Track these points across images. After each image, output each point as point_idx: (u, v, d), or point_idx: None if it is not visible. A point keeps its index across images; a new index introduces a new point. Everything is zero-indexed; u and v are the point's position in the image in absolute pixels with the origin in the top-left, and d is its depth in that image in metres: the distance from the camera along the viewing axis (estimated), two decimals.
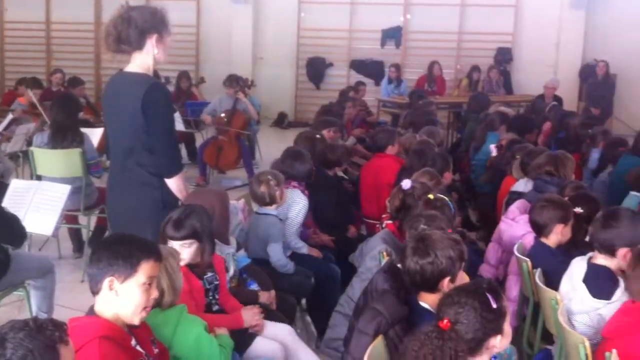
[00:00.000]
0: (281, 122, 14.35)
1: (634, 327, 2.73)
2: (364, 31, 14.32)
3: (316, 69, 14.58)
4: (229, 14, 14.32)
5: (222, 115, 9.04)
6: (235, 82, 9.32)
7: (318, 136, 6.00)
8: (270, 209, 4.39)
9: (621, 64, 13.29)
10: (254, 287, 3.99)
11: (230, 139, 8.93)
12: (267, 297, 3.90)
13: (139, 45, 3.47)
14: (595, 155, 6.42)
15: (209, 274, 3.44)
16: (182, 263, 3.13)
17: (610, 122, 12.54)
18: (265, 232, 4.34)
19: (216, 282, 3.47)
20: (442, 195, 3.95)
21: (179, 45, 12.85)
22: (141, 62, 3.51)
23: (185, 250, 3.23)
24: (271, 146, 10.20)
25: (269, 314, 3.68)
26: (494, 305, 2.35)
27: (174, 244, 3.20)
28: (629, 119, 12.76)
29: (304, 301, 4.61)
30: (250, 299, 3.74)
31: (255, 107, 9.57)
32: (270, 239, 4.32)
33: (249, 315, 3.43)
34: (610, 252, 3.27)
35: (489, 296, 2.36)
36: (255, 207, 4.68)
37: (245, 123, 9.11)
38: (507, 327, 2.41)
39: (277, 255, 4.33)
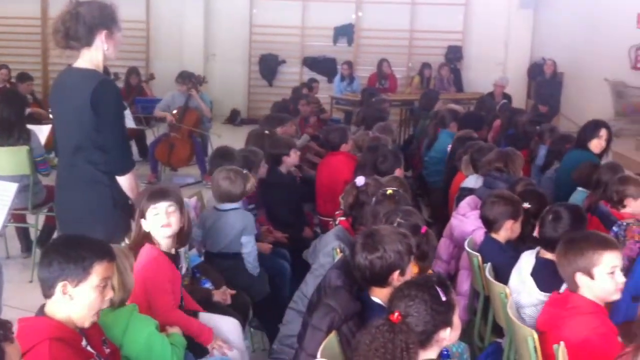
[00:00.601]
0: (234, 119, 14.26)
1: (565, 317, 2.79)
2: (316, 28, 14.34)
3: (269, 65, 14.54)
4: (180, 9, 14.15)
5: (175, 112, 8.95)
6: (187, 78, 9.23)
7: (267, 132, 5.99)
8: (235, 204, 4.38)
9: (568, 63, 13.63)
10: (208, 285, 3.96)
11: (182, 136, 8.85)
12: (220, 294, 3.88)
13: (88, 42, 3.41)
14: (542, 152, 6.56)
15: (181, 264, 3.43)
16: (171, 229, 3.27)
17: (557, 119, 12.85)
18: (235, 226, 4.32)
19: (183, 274, 3.47)
20: (395, 189, 3.99)
21: (129, 41, 12.62)
22: (90, 58, 3.45)
23: (174, 216, 3.28)
24: (224, 143, 10.06)
25: (222, 314, 3.67)
26: (444, 298, 2.39)
27: (161, 208, 3.24)
28: (576, 116, 13.05)
29: None
30: (204, 297, 3.72)
31: (207, 104, 9.50)
32: (246, 232, 4.33)
33: (215, 340, 3.38)
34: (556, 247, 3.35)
35: (439, 289, 2.41)
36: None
37: (197, 120, 9.03)
38: (457, 320, 2.46)
39: (252, 247, 4.36)
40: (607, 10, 13.55)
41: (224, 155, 5.00)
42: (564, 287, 3.21)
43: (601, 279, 2.80)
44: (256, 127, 7.11)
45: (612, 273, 2.80)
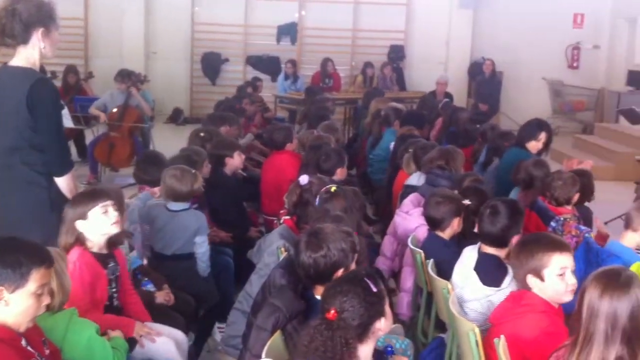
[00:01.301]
0: (176, 118, 14.09)
1: (517, 313, 2.85)
2: (259, 27, 14.29)
3: (211, 64, 14.41)
4: (120, 6, 13.91)
5: (114, 110, 8.78)
6: (126, 76, 9.06)
7: (202, 134, 5.94)
8: (185, 204, 4.33)
9: (507, 62, 13.94)
10: (150, 287, 3.90)
11: (122, 135, 8.68)
12: (163, 295, 3.82)
13: (24, 39, 3.31)
14: (485, 149, 6.68)
15: (112, 264, 3.34)
16: (120, 227, 3.24)
17: (497, 118, 13.13)
18: (189, 227, 4.27)
19: (117, 274, 3.39)
20: (335, 186, 4.00)
21: (66, 38, 12.34)
22: (26, 56, 3.35)
23: (120, 215, 3.28)
24: (166, 143, 9.96)
25: (165, 317, 3.62)
26: (374, 289, 2.42)
27: (110, 206, 3.23)
28: (515, 115, 13.37)
29: None
30: (146, 300, 3.66)
31: (149, 102, 9.35)
32: (200, 232, 4.29)
33: (140, 328, 3.31)
34: (496, 243, 3.41)
35: (368, 281, 2.43)
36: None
37: (138, 119, 8.87)
38: (388, 309, 2.50)
39: (206, 247, 4.32)
40: (545, 11, 13.92)
41: (152, 160, 4.90)
42: (506, 280, 3.28)
43: (551, 280, 2.83)
44: (199, 126, 7.04)
45: (562, 275, 2.83)
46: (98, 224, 3.22)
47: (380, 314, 2.44)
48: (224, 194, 5.30)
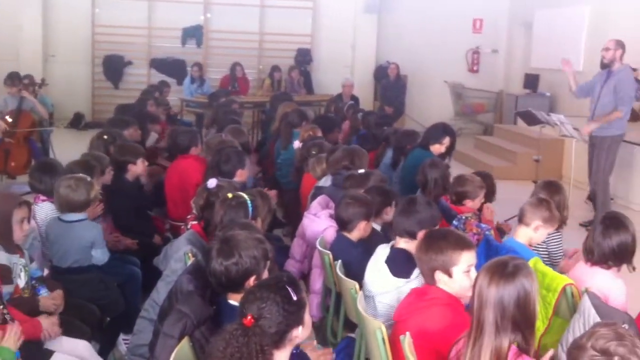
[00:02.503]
0: (77, 123, 13.64)
1: (422, 307, 2.91)
2: (163, 29, 14.04)
3: (114, 67, 14.03)
4: (15, 7, 13.34)
5: (7, 116, 8.37)
6: (17, 80, 8.67)
7: (105, 137, 5.78)
8: (81, 214, 4.16)
9: (411, 66, 14.28)
10: (43, 292, 3.73)
11: (18, 141, 8.31)
12: (47, 300, 3.65)
13: None
14: (389, 152, 6.80)
15: None
16: None
17: (402, 120, 13.43)
18: (83, 239, 4.12)
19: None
20: (241, 193, 3.95)
21: None
22: None
23: None
24: (67, 148, 9.62)
25: (68, 327, 3.48)
26: (295, 297, 2.41)
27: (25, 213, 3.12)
28: (420, 117, 13.72)
29: None
30: (33, 307, 3.51)
31: (48, 107, 9.01)
32: (96, 244, 4.16)
33: (48, 324, 3.23)
34: (412, 235, 3.50)
35: (289, 289, 2.42)
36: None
37: (33, 123, 8.51)
38: (307, 318, 2.48)
39: (103, 259, 4.20)
40: (446, 16, 14.36)
41: (46, 168, 4.69)
42: (415, 271, 3.34)
43: (458, 277, 2.92)
44: (99, 131, 6.82)
45: (468, 272, 2.93)
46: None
47: (299, 322, 2.42)
48: (124, 199, 5.16)
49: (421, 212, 3.57)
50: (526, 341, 2.37)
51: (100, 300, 4.09)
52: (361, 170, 4.84)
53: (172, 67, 14.03)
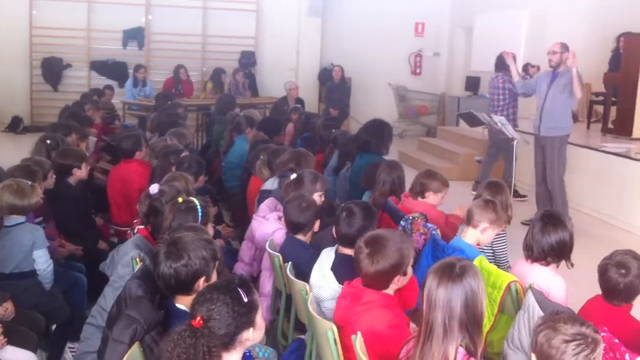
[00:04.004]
0: (15, 126, 13.29)
1: (360, 312, 2.93)
2: (104, 31, 13.79)
3: (53, 69, 13.73)
4: None
5: None
6: None
7: (49, 142, 5.66)
8: (20, 217, 4.06)
9: (355, 68, 14.40)
10: None
11: None
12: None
13: None
14: (336, 154, 6.85)
15: None
16: None
17: (348, 122, 13.52)
18: (24, 242, 4.02)
19: None
20: (192, 198, 3.93)
21: None
22: None
23: None
24: (4, 153, 9.40)
25: (13, 336, 3.40)
26: (245, 299, 2.40)
27: None
28: (364, 119, 13.62)
29: None
30: None
31: None
32: (36, 246, 4.05)
33: None
34: (352, 244, 3.51)
35: (240, 291, 2.41)
36: None
37: None
38: (260, 320, 2.48)
39: (46, 261, 4.09)
40: (388, 20, 14.53)
41: None
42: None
43: (409, 271, 3.01)
44: (41, 135, 6.67)
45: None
46: None
47: (250, 324, 2.41)
48: (68, 203, 5.07)
49: (361, 219, 3.59)
50: (473, 343, 2.40)
51: (44, 307, 4.00)
52: (293, 176, 4.85)
53: (113, 70, 13.80)
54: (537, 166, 7.74)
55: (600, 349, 2.22)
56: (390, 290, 2.99)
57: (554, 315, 2.29)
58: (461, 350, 2.39)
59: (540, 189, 7.72)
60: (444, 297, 2.38)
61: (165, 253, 2.86)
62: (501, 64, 8.90)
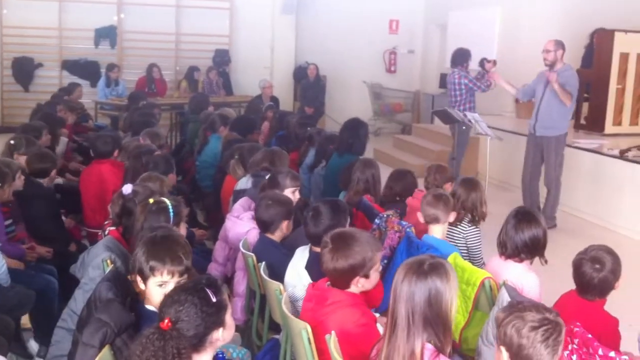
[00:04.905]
0: None
1: (327, 313, 2.91)
2: (75, 30, 13.61)
3: (24, 69, 13.51)
4: None
5: None
6: None
7: (12, 142, 5.61)
8: None
9: (330, 66, 14.39)
10: None
11: None
12: None
13: None
14: (312, 152, 6.84)
15: None
16: None
17: (323, 120, 13.51)
18: None
19: None
20: (163, 199, 3.88)
21: None
22: None
23: None
24: None
25: None
26: (214, 299, 2.38)
27: None
28: (340, 117, 13.78)
29: None
30: None
31: None
32: None
33: None
34: (319, 243, 3.50)
35: (209, 291, 2.39)
36: None
37: None
38: (230, 319, 2.47)
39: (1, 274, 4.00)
40: (363, 17, 14.55)
41: None
42: None
43: (373, 275, 2.98)
44: (12, 135, 6.57)
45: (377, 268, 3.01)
46: None
47: (219, 324, 2.40)
48: (40, 205, 4.99)
49: (328, 219, 3.58)
50: (440, 340, 2.40)
51: (14, 311, 3.92)
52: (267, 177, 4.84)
53: (85, 69, 13.64)
54: (526, 164, 7.74)
55: (563, 333, 2.26)
56: (354, 289, 2.97)
57: (517, 306, 2.30)
58: (429, 347, 2.38)
59: (526, 187, 7.74)
60: (407, 290, 2.40)
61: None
62: (457, 60, 8.89)
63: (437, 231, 4.04)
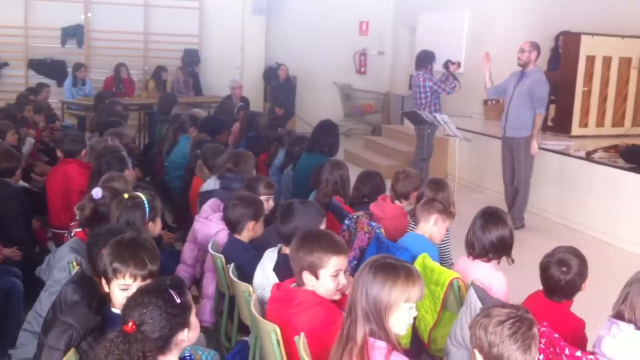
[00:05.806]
0: None
1: (293, 314, 2.90)
2: (41, 29, 13.41)
3: None
4: None
5: None
6: None
7: None
8: None
9: (300, 67, 14.39)
10: None
11: None
12: None
13: None
14: (281, 153, 6.83)
15: None
16: None
17: (293, 121, 13.50)
18: None
19: None
20: (138, 194, 3.85)
21: None
22: None
23: None
24: None
25: None
26: (178, 300, 2.37)
27: None
28: (309, 118, 13.81)
29: None
30: None
31: None
32: None
33: None
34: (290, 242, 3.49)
35: (172, 292, 2.38)
36: None
37: None
38: (194, 320, 2.45)
39: None
40: (332, 19, 14.57)
41: None
42: None
43: (325, 280, 2.92)
44: None
45: (335, 275, 2.93)
46: None
47: (184, 325, 2.39)
48: (10, 205, 4.90)
49: (299, 218, 3.57)
50: (386, 338, 2.39)
51: None
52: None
53: (52, 68, 13.45)
54: (504, 165, 7.82)
55: (536, 330, 2.26)
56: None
57: (487, 310, 2.32)
58: (382, 344, 2.37)
59: (508, 187, 7.81)
60: (358, 281, 2.43)
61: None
62: (421, 62, 8.93)
63: (422, 229, 4.12)
